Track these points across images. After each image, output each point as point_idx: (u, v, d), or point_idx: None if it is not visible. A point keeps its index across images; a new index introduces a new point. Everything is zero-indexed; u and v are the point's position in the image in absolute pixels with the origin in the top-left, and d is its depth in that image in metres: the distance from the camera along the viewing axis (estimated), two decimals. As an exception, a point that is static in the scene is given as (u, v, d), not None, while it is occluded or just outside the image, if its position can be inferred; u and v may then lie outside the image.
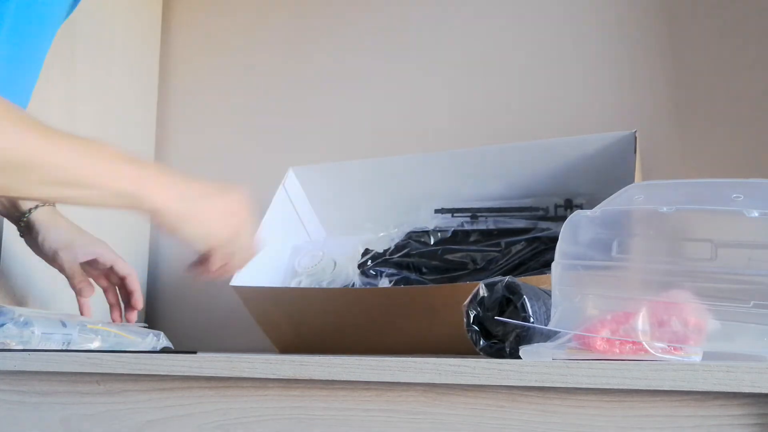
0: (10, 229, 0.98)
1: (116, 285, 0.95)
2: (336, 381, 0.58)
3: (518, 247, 0.94)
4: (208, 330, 1.25)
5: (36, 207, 0.91)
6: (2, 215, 0.95)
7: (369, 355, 0.62)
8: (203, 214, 0.71)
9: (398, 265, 1.00)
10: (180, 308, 1.28)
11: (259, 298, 0.93)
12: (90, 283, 0.91)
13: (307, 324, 0.92)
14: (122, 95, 1.25)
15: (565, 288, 0.58)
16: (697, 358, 0.51)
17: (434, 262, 0.98)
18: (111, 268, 0.92)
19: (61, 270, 0.90)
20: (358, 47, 1.26)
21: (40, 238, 0.90)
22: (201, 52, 1.38)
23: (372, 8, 1.26)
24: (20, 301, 1.00)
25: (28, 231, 0.91)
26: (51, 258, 0.90)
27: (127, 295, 0.94)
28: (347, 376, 0.57)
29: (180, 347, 1.26)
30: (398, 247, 1.02)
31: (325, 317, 0.90)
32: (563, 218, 0.84)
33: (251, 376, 0.61)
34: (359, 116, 1.23)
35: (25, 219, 0.91)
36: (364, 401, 0.58)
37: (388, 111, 1.21)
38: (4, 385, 0.73)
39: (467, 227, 1.01)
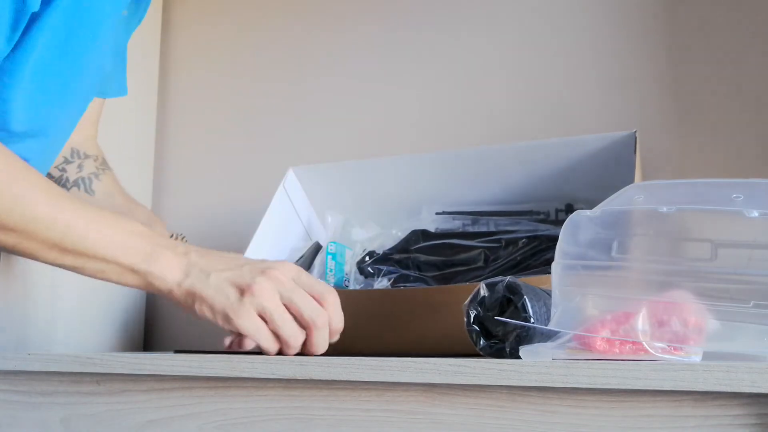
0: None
1: None
2: (336, 381, 0.58)
3: (519, 244, 0.94)
4: (208, 330, 1.25)
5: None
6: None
7: (369, 355, 0.62)
8: (215, 288, 0.64)
9: (397, 263, 1.00)
10: (180, 308, 1.28)
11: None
12: None
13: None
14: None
15: (565, 288, 0.58)
16: (697, 358, 0.51)
17: (434, 259, 0.98)
18: None
19: None
20: (358, 47, 1.26)
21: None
22: (201, 53, 1.38)
23: (371, 9, 1.26)
24: (20, 301, 1.00)
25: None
26: None
27: None
28: (347, 376, 0.57)
29: (180, 347, 1.26)
30: (398, 244, 1.02)
31: (325, 317, 0.90)
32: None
33: (251, 376, 0.61)
34: (359, 116, 1.23)
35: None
36: (364, 401, 0.58)
37: (388, 111, 1.21)
38: (4, 385, 0.73)
39: (469, 230, 1.01)
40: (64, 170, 0.97)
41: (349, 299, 0.90)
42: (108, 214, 0.66)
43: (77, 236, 0.62)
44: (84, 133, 0.98)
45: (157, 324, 1.28)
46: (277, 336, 0.64)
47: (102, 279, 0.66)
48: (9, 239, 0.62)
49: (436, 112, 1.18)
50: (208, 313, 0.64)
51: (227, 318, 0.63)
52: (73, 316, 1.08)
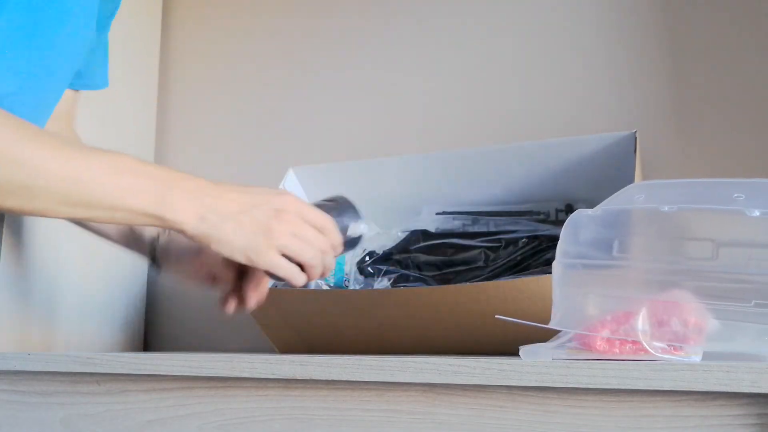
0: (10, 228, 0.97)
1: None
2: (336, 381, 0.58)
3: (519, 244, 0.94)
4: (208, 330, 1.25)
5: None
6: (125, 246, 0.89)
7: (369, 355, 0.62)
8: (232, 231, 0.66)
9: (398, 263, 1.00)
10: (180, 308, 1.28)
11: (258, 298, 0.93)
12: None
13: (307, 324, 0.92)
14: (122, 96, 1.25)
15: (566, 287, 0.58)
16: (697, 358, 0.51)
17: (434, 259, 0.98)
18: None
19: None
20: (358, 47, 1.26)
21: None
22: (201, 53, 1.38)
23: (371, 9, 1.26)
24: (20, 301, 1.00)
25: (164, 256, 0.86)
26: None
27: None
28: (347, 376, 0.57)
29: (180, 347, 1.26)
30: (398, 244, 1.02)
31: (325, 317, 0.90)
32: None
33: (251, 376, 0.61)
34: (359, 116, 1.23)
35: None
36: (364, 401, 0.58)
37: (388, 111, 1.21)
38: (4, 385, 0.73)
39: (469, 230, 1.01)
40: None
41: (349, 299, 0.90)
42: (112, 155, 0.64)
43: (85, 189, 0.61)
44: (57, 125, 0.90)
45: (157, 324, 1.28)
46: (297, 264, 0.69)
47: (117, 224, 0.67)
48: (15, 202, 0.60)
49: (436, 113, 1.18)
50: (225, 251, 0.66)
51: (248, 258, 0.66)
52: (73, 316, 1.08)
